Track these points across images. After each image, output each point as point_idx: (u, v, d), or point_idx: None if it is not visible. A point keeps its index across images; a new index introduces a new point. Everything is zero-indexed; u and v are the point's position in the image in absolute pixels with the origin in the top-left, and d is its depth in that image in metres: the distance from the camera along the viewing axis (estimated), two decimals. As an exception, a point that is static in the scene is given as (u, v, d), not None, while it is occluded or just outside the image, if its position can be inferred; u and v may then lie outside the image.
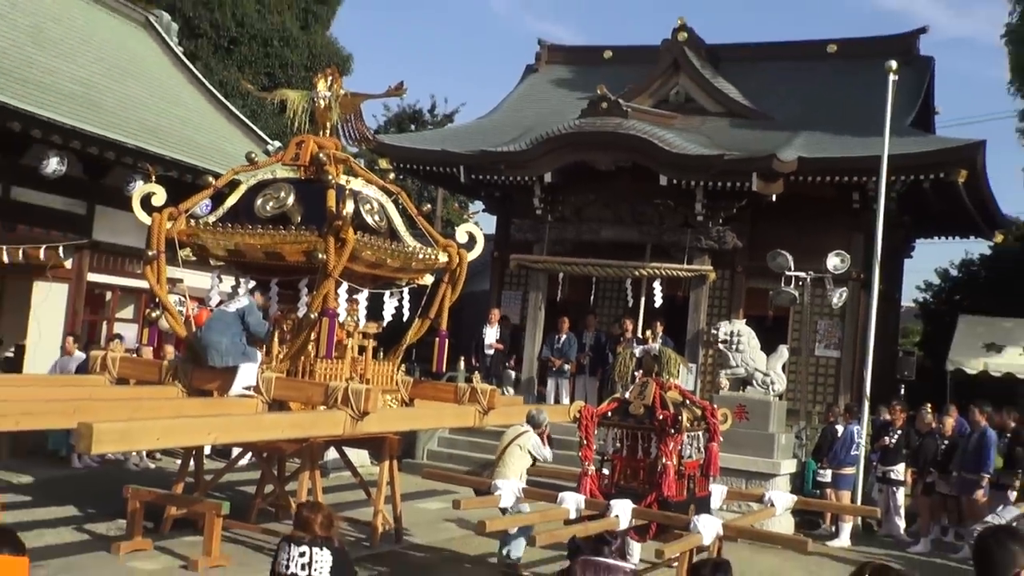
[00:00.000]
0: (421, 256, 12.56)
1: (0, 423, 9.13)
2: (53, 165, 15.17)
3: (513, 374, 20.72)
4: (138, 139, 16.64)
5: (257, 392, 11.13)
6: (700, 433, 10.40)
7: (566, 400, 19.59)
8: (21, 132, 14.66)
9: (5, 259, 15.70)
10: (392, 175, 13.71)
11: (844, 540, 15.28)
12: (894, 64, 16.72)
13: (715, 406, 10.95)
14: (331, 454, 13.42)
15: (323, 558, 3.10)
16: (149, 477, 14.80)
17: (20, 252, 15.83)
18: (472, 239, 13.26)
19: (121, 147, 16.07)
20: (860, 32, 28.42)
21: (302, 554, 3.10)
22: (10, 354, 16.35)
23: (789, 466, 16.56)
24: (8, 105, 14.08)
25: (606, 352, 20.12)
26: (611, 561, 3.11)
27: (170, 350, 14.32)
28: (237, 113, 24.00)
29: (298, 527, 3.63)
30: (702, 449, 10.47)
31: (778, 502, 11.29)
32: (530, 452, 11.94)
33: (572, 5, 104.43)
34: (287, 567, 3.11)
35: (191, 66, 25.47)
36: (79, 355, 15.35)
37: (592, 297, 21.17)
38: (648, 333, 18.45)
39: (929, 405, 17.06)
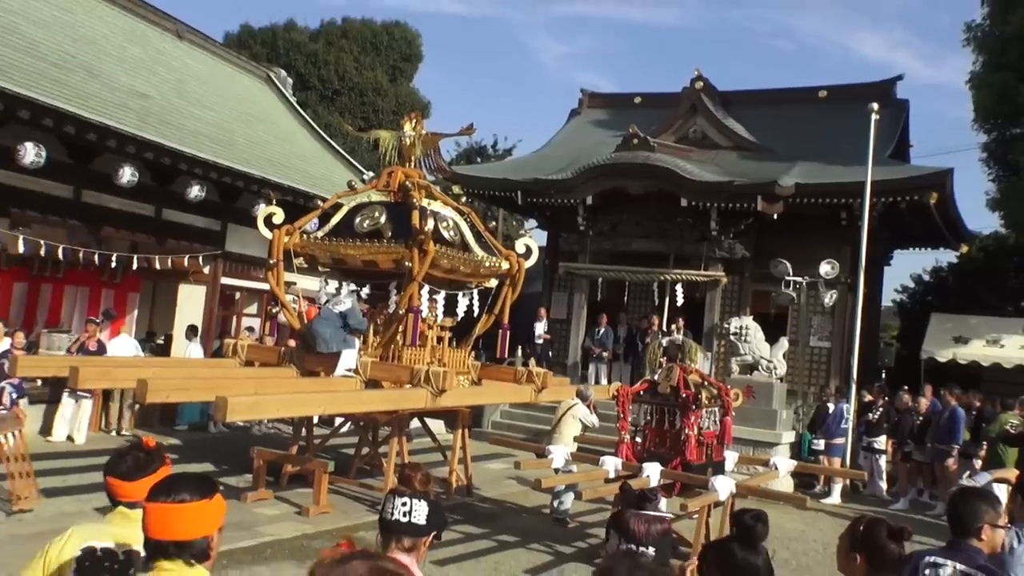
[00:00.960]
0: (487, 264, 12.64)
1: (154, 396, 9.32)
2: (195, 191, 15.38)
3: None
4: (262, 171, 16.80)
5: (356, 373, 11.30)
6: (716, 409, 10.43)
7: (604, 381, 19.63)
8: (170, 166, 14.89)
9: (157, 266, 15.97)
10: (463, 198, 13.76)
11: (835, 498, 15.25)
12: (875, 106, 16.72)
13: (728, 387, 10.96)
14: (414, 423, 13.52)
15: (420, 507, 3.17)
16: (269, 441, 15.00)
17: (169, 261, 16.08)
18: (529, 250, 13.31)
19: (249, 177, 16.23)
20: (846, 79, 28.26)
21: (403, 504, 3.17)
22: (160, 342, 16.63)
23: (789, 437, 16.51)
24: (160, 144, 14.31)
25: (636, 342, 20.20)
26: (655, 513, 3.15)
27: (292, 343, 14.50)
28: (339, 149, 24.15)
29: (401, 482, 3.73)
30: (718, 422, 10.49)
31: (781, 466, 11.27)
32: (581, 420, 12.07)
33: (608, 60, 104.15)
34: (392, 514, 3.19)
35: (303, 112, 25.69)
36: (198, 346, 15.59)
37: (625, 297, 21.15)
38: (672, 327, 18.51)
39: (906, 388, 17.03)
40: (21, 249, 13.70)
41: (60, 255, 14.49)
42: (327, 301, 12.15)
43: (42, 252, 14.26)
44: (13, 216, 13.73)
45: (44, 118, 12.43)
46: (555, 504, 11.96)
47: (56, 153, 13.13)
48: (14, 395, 12.39)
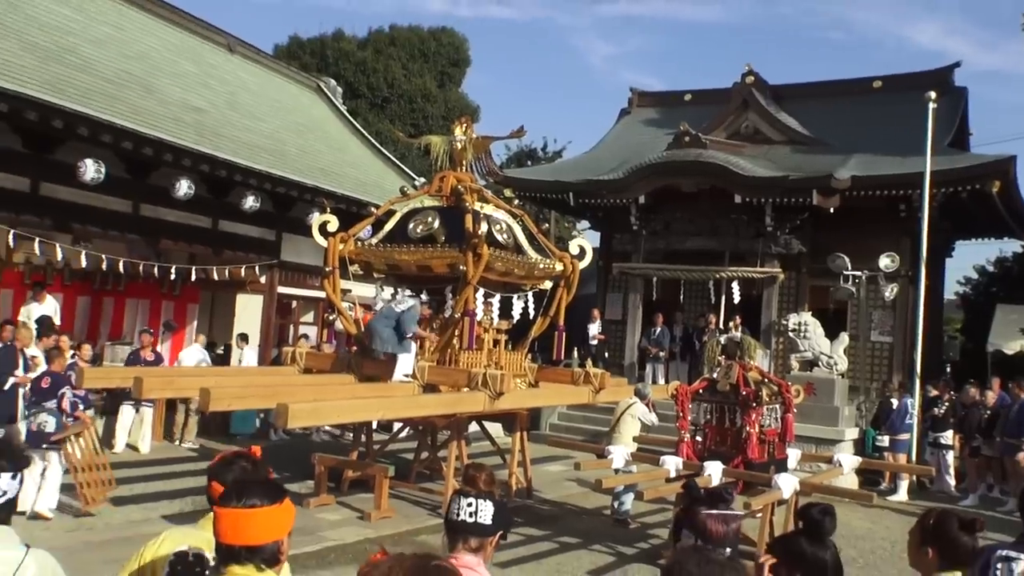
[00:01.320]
0: (541, 266, 12.65)
1: (217, 405, 9.47)
2: (250, 202, 15.60)
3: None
4: (315, 180, 17.01)
5: (414, 378, 11.38)
6: (777, 406, 10.34)
7: (661, 381, 19.52)
8: (226, 177, 15.13)
9: (215, 277, 16.23)
10: (516, 201, 13.78)
11: (902, 495, 15.01)
12: (933, 94, 16.46)
13: (789, 383, 10.87)
14: (472, 427, 13.58)
15: (486, 507, 3.18)
16: (329, 447, 15.13)
17: (226, 271, 16.35)
18: (583, 251, 13.28)
19: (302, 186, 16.44)
20: (902, 69, 27.77)
21: (469, 504, 3.18)
22: (220, 352, 16.86)
23: (852, 433, 16.34)
24: (215, 156, 14.54)
25: (693, 341, 20.13)
26: (729, 512, 3.13)
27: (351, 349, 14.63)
28: (390, 156, 24.34)
29: (466, 483, 3.74)
30: (779, 419, 10.40)
31: (845, 463, 11.14)
32: (640, 419, 12.05)
33: (658, 59, 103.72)
34: (458, 515, 3.21)
35: (353, 121, 25.94)
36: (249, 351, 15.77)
37: (680, 296, 21.07)
38: (731, 325, 18.39)
39: (972, 381, 16.72)
40: (84, 264, 14.00)
41: (121, 268, 14.80)
42: (389, 301, 12.25)
43: (103, 266, 14.57)
44: (75, 231, 14.04)
45: (102, 134, 12.71)
46: (615, 505, 11.95)
47: (114, 169, 13.40)
48: (81, 406, 12.67)
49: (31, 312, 13.78)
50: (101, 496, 10.46)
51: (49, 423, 10.11)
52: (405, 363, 11.43)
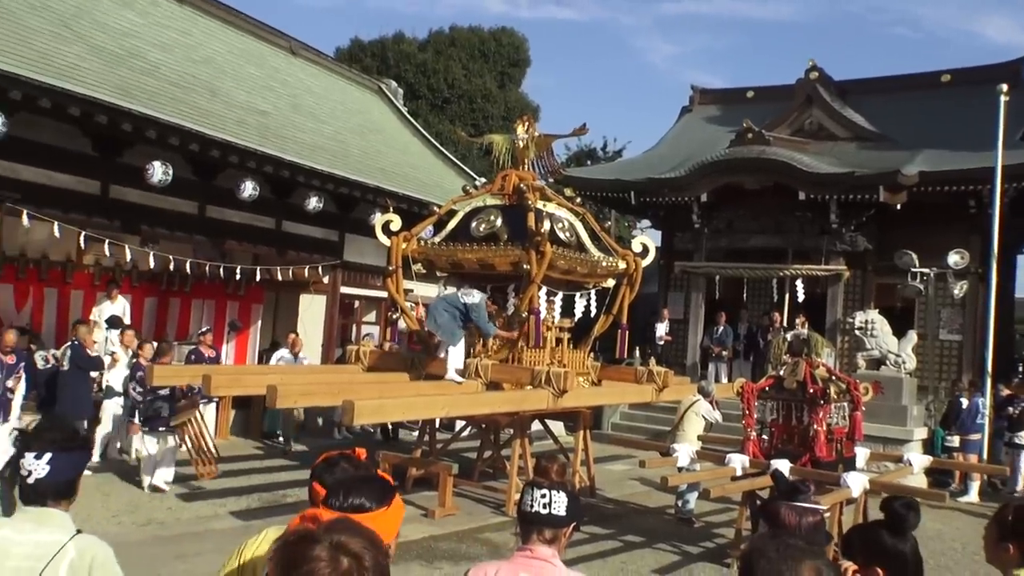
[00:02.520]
0: (604, 264, 12.63)
1: (283, 402, 9.60)
2: (313, 203, 15.75)
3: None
4: (377, 180, 17.12)
5: (475, 376, 11.37)
6: (845, 404, 10.21)
7: (725, 380, 19.42)
8: (289, 178, 15.30)
9: (279, 277, 16.42)
10: (577, 200, 13.76)
11: (973, 496, 14.77)
12: (1004, 87, 16.21)
13: (857, 381, 10.71)
14: (535, 425, 13.58)
15: (559, 498, 3.17)
16: (393, 445, 15.23)
17: (290, 272, 16.53)
18: (645, 249, 13.23)
19: (365, 187, 16.55)
20: (970, 63, 27.22)
21: (543, 495, 3.17)
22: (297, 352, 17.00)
23: (920, 433, 16.06)
24: (279, 157, 14.70)
25: (757, 340, 20.00)
26: (808, 505, 3.08)
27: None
28: (451, 157, 24.44)
29: (538, 474, 3.73)
30: (847, 417, 10.27)
31: (915, 462, 11.00)
32: (704, 416, 11.99)
33: (719, 57, 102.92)
34: (531, 505, 3.20)
35: (414, 122, 26.07)
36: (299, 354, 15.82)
37: (743, 295, 20.95)
38: (798, 323, 18.21)
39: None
40: (151, 265, 14.25)
41: (187, 269, 15.02)
42: (458, 290, 12.34)
43: (170, 267, 14.81)
44: (143, 233, 14.29)
45: (170, 137, 12.93)
46: (679, 504, 11.89)
47: (181, 171, 13.61)
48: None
49: (102, 311, 14.07)
50: (209, 470, 11.96)
51: (163, 408, 11.62)
52: (455, 358, 11.45)
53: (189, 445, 11.88)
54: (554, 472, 3.71)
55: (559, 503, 3.18)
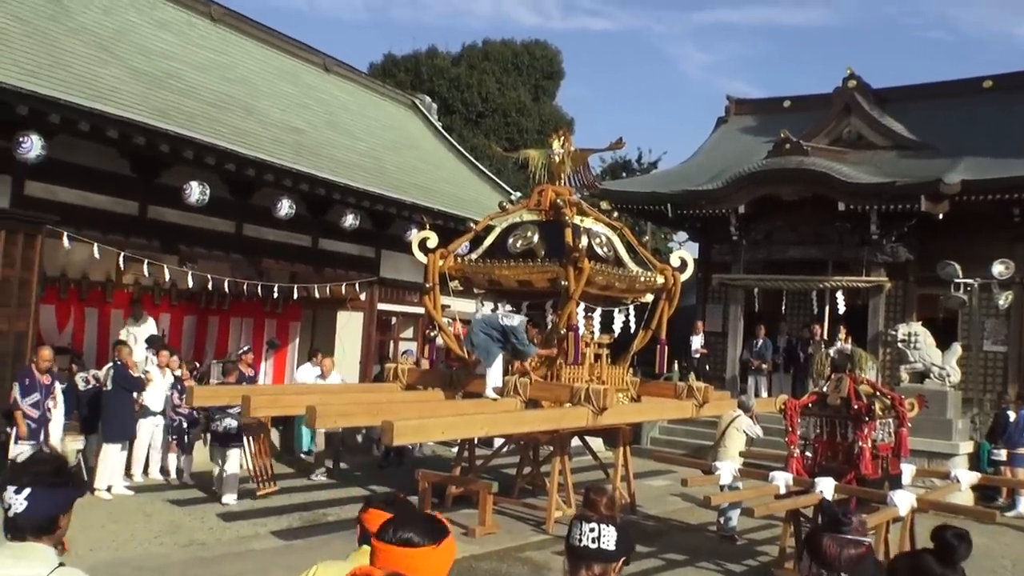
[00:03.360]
0: (643, 279, 12.56)
1: (323, 422, 9.62)
2: (349, 220, 15.80)
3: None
4: (413, 197, 17.16)
5: (514, 394, 11.34)
6: (890, 420, 10.07)
7: (764, 394, 19.27)
8: (325, 196, 15.36)
9: (316, 295, 16.50)
10: (614, 214, 13.69)
11: (1021, 510, 14.59)
12: (1050, 91, 15.96)
13: (902, 396, 10.57)
14: (574, 441, 13.51)
15: (609, 532, 3.10)
16: (432, 463, 15.22)
17: (327, 289, 16.61)
18: (684, 263, 13.16)
19: (401, 203, 16.59)
20: (1011, 68, 26.84)
21: (592, 529, 3.11)
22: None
23: (966, 447, 15.86)
24: (315, 175, 14.77)
25: (797, 353, 19.79)
26: (852, 537, 3.00)
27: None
28: (487, 172, 24.46)
29: (586, 507, 3.67)
30: (892, 433, 10.13)
31: (963, 479, 10.82)
32: (745, 432, 11.90)
33: (754, 65, 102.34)
34: (580, 540, 3.15)
35: (448, 137, 26.14)
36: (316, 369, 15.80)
37: (783, 307, 20.76)
38: (840, 337, 18.02)
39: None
40: (190, 284, 14.36)
41: (225, 288, 15.12)
42: (494, 309, 12.31)
43: (209, 286, 14.91)
44: (182, 253, 14.42)
45: (207, 157, 13.03)
46: (721, 521, 11.79)
47: (218, 190, 13.72)
48: (184, 424, 13.02)
49: (130, 332, 14.11)
50: (269, 486, 12.57)
51: (232, 425, 12.13)
52: (494, 376, 11.42)
53: (250, 463, 12.46)
54: (603, 505, 3.65)
55: (608, 537, 3.12)
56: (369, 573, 2.26)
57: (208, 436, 12.94)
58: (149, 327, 14.49)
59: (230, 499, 11.97)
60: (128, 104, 12.31)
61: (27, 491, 2.79)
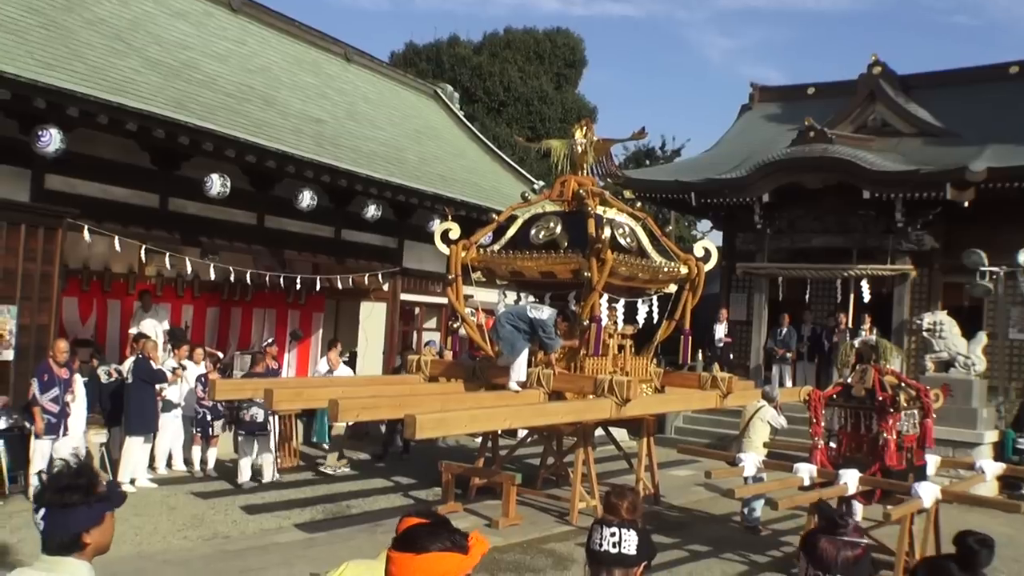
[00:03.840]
0: (666, 269, 12.49)
1: (346, 416, 9.60)
2: (371, 211, 15.77)
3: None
4: (435, 187, 17.13)
5: (538, 386, 11.28)
6: (915, 411, 9.96)
7: (789, 383, 19.24)
8: (347, 187, 15.33)
9: (339, 285, 16.49)
10: (637, 204, 13.60)
11: (1046, 500, 14.39)
12: (1076, 78, 15.74)
13: (927, 387, 10.45)
14: (597, 431, 13.46)
15: (630, 537, 3.05)
16: (456, 454, 15.22)
17: (350, 280, 16.60)
18: (708, 253, 13.04)
19: (423, 194, 16.57)
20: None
21: (612, 534, 3.06)
22: (346, 359, 17.02)
23: (991, 436, 15.71)
24: (336, 166, 14.74)
25: (822, 341, 19.70)
26: (849, 539, 2.96)
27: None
28: (509, 161, 24.35)
29: (607, 511, 3.61)
30: (917, 425, 10.02)
31: (987, 469, 10.69)
32: (769, 422, 11.82)
33: (779, 51, 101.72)
34: (600, 545, 3.09)
35: (471, 126, 26.06)
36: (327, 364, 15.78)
37: (807, 295, 20.62)
38: (864, 327, 17.88)
39: None
40: (212, 276, 14.38)
41: (248, 280, 15.12)
42: (518, 301, 12.24)
43: (231, 277, 14.92)
44: (203, 245, 14.42)
45: (227, 149, 13.01)
46: (745, 512, 11.73)
47: (239, 182, 13.71)
48: (208, 417, 13.04)
49: (141, 324, 14.12)
50: (292, 461, 13.95)
51: (259, 414, 12.50)
52: (518, 370, 11.37)
53: (275, 438, 13.32)
54: (624, 509, 3.58)
55: (630, 542, 3.07)
56: None
57: (233, 427, 13.01)
58: (161, 317, 14.49)
59: (269, 474, 12.88)
60: (146, 96, 12.29)
61: (43, 511, 2.80)
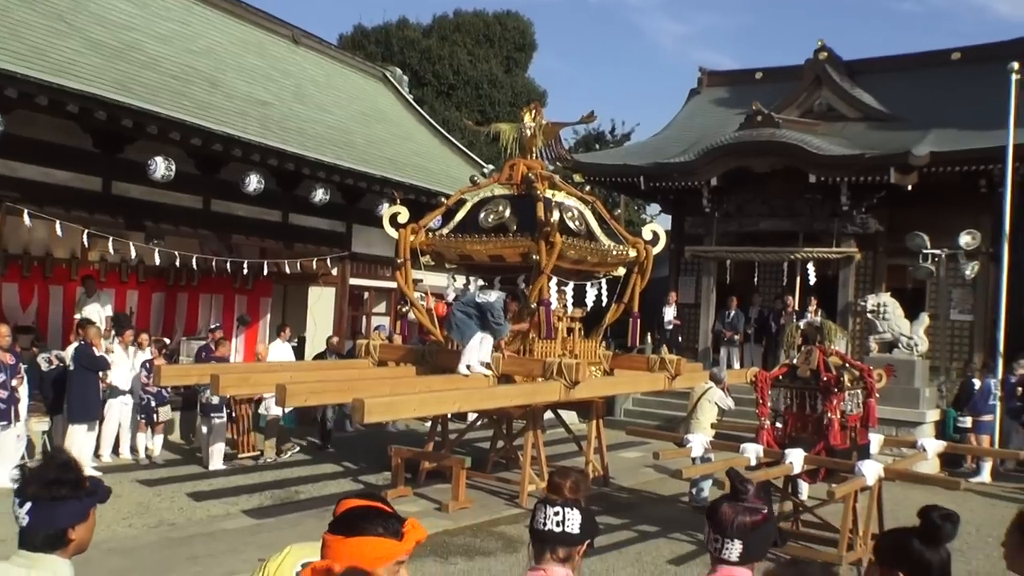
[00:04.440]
0: (615, 252, 12.50)
1: (293, 400, 9.51)
2: (319, 195, 15.64)
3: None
4: (383, 170, 17.01)
5: (487, 368, 11.28)
6: (859, 391, 10.08)
7: (737, 365, 19.44)
8: (294, 171, 15.18)
9: (287, 270, 16.33)
10: (586, 187, 13.61)
11: (984, 477, 14.72)
12: (1015, 65, 16.03)
13: (871, 367, 10.59)
14: (547, 414, 13.49)
15: (573, 516, 3.07)
16: (405, 438, 15.17)
17: (298, 264, 16.44)
18: (656, 236, 13.10)
19: (371, 177, 16.45)
20: (980, 40, 26.84)
21: (556, 513, 3.08)
22: (294, 344, 16.86)
23: (933, 415, 15.98)
24: (284, 150, 14.59)
25: (769, 323, 19.90)
26: (749, 504, 3.00)
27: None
28: (458, 145, 24.29)
29: (551, 491, 3.63)
30: (861, 404, 10.15)
31: (929, 447, 10.87)
32: (716, 404, 11.90)
33: (727, 37, 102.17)
34: (544, 524, 3.10)
35: (420, 109, 25.92)
36: (286, 346, 15.61)
37: (755, 278, 20.83)
38: (810, 309, 18.09)
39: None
40: (157, 261, 14.18)
41: (194, 264, 14.93)
42: (464, 288, 12.20)
43: (176, 262, 14.72)
44: (148, 229, 14.20)
45: (171, 132, 12.82)
46: (694, 492, 11.83)
47: (184, 165, 13.52)
48: (153, 403, 12.87)
49: (85, 311, 13.85)
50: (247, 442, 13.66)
51: (214, 399, 12.36)
52: (468, 354, 11.32)
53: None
54: (567, 488, 3.60)
55: (573, 521, 3.09)
56: (328, 567, 2.17)
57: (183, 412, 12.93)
58: (104, 302, 14.26)
59: (217, 464, 12.66)
60: (88, 77, 12.06)
61: (28, 505, 2.71)
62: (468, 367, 11.19)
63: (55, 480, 2.72)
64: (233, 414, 13.38)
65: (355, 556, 2.37)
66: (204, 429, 12.91)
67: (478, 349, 11.29)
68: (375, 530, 2.41)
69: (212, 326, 14.66)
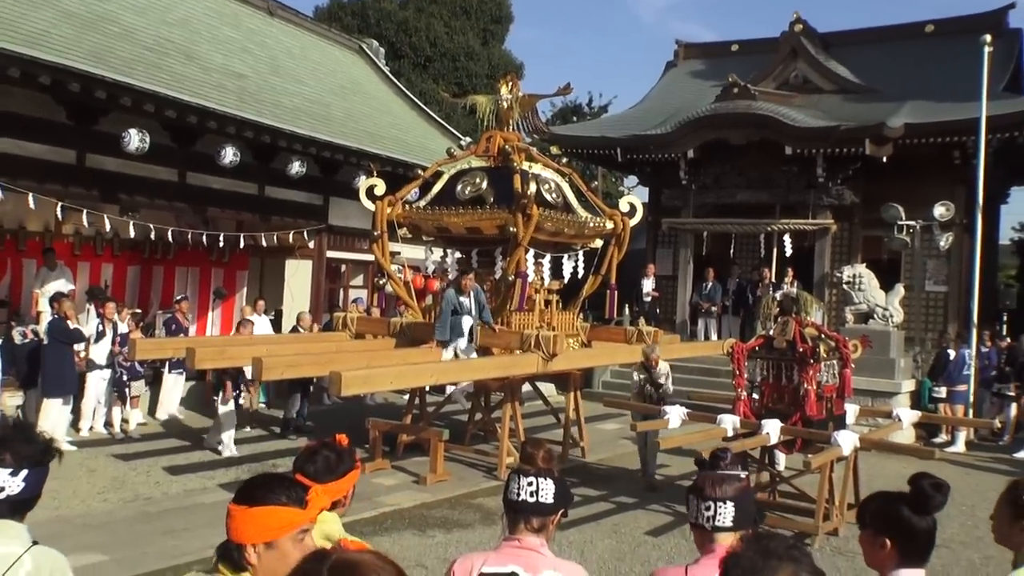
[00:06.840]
0: (592, 224, 12.45)
1: (269, 374, 9.41)
2: (296, 167, 15.47)
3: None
4: (360, 143, 16.82)
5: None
6: (835, 362, 10.09)
7: (714, 336, 19.46)
8: (271, 143, 14.99)
9: (263, 243, 16.17)
10: (563, 159, 13.53)
11: (959, 447, 14.87)
12: (988, 37, 16.08)
13: (846, 338, 10.59)
14: (525, 386, 13.45)
15: (547, 486, 3.03)
16: (383, 410, 15.10)
17: (274, 237, 16.28)
18: (633, 208, 13.05)
19: (348, 150, 16.26)
20: (954, 12, 26.87)
21: (530, 483, 3.04)
22: (271, 318, 16.70)
23: (908, 385, 16.06)
24: (259, 122, 14.40)
25: (746, 295, 19.85)
26: (727, 472, 3.00)
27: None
28: (435, 117, 24.10)
29: (524, 461, 3.59)
30: (837, 375, 10.15)
31: (904, 417, 10.91)
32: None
33: (705, 8, 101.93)
34: (518, 495, 3.06)
35: (396, 82, 25.66)
36: (263, 319, 15.49)
37: (732, 250, 20.82)
38: (787, 280, 18.10)
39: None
40: (132, 234, 13.99)
41: (169, 237, 14.74)
42: (444, 258, 12.14)
43: (152, 236, 14.54)
44: (122, 202, 14.00)
45: (146, 104, 12.59)
46: (648, 470, 11.73)
47: (159, 138, 13.30)
48: (125, 377, 12.72)
49: (44, 284, 13.60)
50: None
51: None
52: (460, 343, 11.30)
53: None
54: (540, 459, 3.56)
55: (547, 491, 3.05)
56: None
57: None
58: (61, 277, 14.01)
59: (230, 452, 12.02)
60: (61, 49, 11.82)
61: (24, 472, 2.67)
62: (456, 353, 11.17)
63: (47, 448, 2.74)
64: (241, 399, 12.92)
65: (259, 525, 2.32)
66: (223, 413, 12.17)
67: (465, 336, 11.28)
68: (278, 499, 2.35)
69: (178, 297, 14.48)
